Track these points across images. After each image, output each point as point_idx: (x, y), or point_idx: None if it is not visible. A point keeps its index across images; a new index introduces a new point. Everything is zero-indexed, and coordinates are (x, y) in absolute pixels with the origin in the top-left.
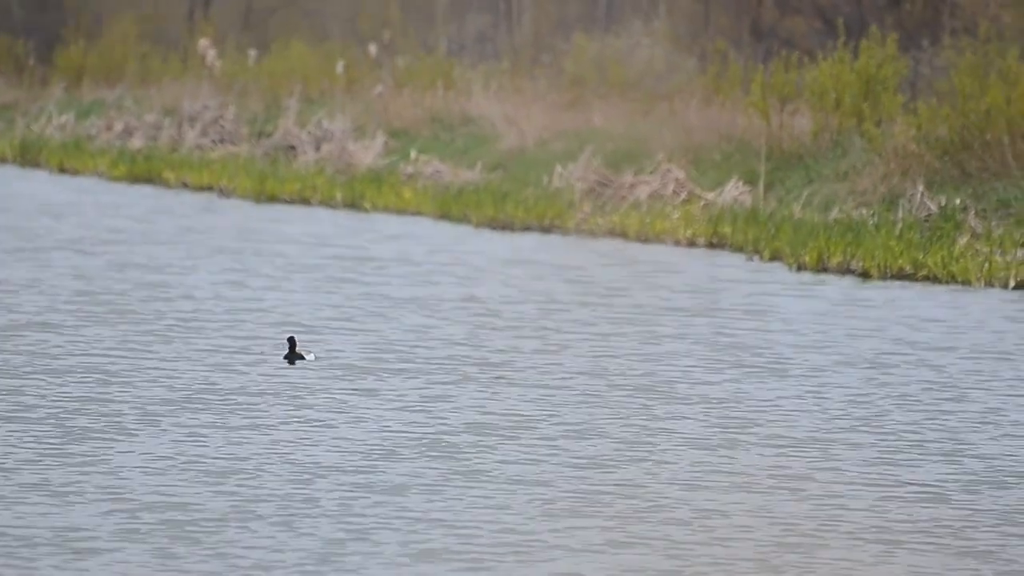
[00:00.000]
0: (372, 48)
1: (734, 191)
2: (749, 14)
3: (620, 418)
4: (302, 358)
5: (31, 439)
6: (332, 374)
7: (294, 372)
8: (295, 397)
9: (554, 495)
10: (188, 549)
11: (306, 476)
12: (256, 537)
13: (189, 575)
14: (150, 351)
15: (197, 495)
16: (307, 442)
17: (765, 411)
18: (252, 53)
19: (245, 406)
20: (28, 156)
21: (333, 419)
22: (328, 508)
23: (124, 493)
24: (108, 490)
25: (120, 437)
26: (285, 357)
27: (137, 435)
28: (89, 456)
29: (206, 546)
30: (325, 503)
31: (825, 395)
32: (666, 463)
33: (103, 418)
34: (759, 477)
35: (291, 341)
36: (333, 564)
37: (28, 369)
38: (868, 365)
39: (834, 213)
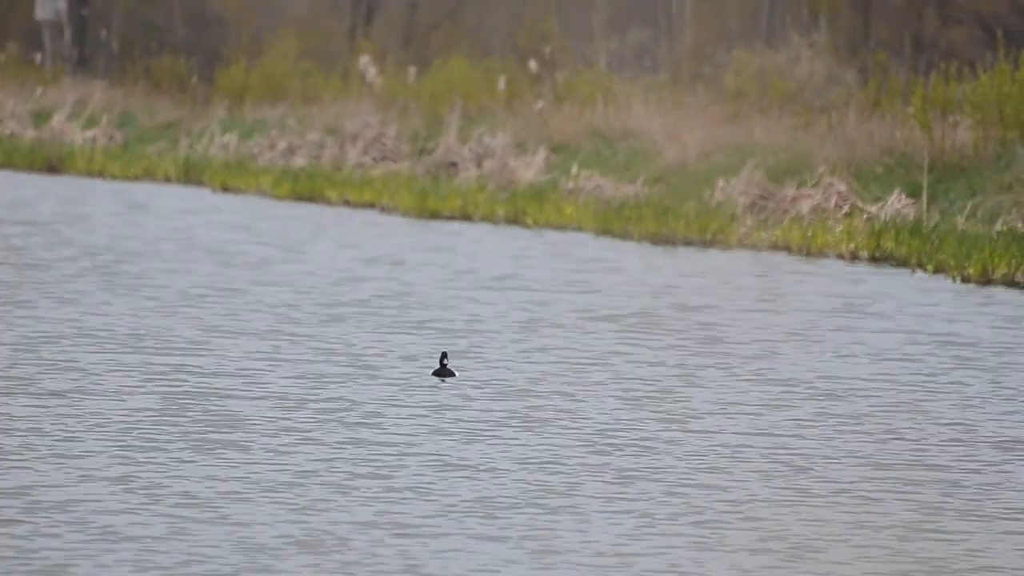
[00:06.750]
0: (532, 63)
1: (897, 204)
2: (910, 26)
3: None
4: (452, 375)
5: None
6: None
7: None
8: None
9: None
10: None
11: None
12: None
13: None
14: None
15: None
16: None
17: None
18: (412, 70)
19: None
20: (192, 175)
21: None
22: None
23: None
24: None
25: None
26: (435, 373)
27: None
28: None
29: None
30: None
31: None
32: None
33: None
34: None
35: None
36: None
37: None
38: None
39: (999, 225)
